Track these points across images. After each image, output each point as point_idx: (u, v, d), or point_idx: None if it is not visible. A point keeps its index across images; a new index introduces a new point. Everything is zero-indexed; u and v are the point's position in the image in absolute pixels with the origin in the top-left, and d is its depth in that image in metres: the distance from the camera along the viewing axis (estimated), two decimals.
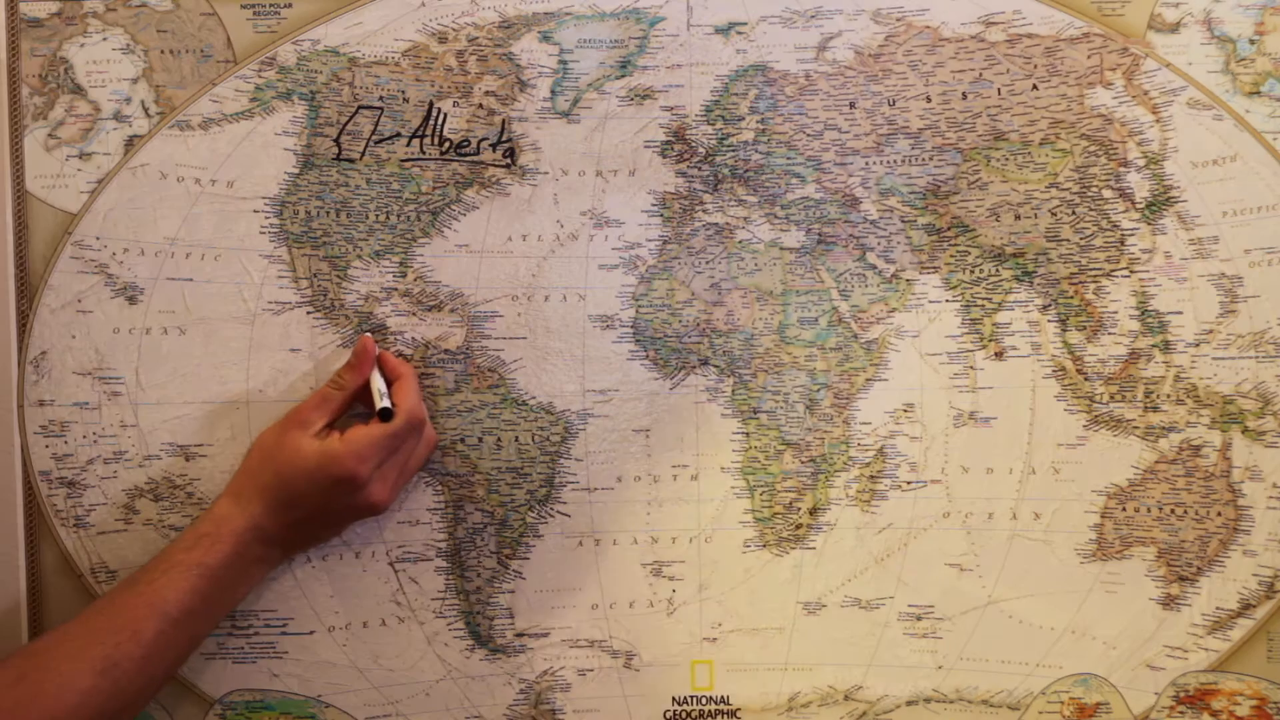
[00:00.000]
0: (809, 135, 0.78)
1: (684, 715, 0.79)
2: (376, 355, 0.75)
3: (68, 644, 0.64)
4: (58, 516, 0.76)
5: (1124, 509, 0.78)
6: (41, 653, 0.64)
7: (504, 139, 0.77)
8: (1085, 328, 0.77)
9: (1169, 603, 0.78)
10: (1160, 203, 0.77)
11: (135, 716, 0.67)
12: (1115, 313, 0.77)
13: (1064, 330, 0.78)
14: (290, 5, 0.77)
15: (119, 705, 0.65)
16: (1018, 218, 0.77)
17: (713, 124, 0.78)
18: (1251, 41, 0.77)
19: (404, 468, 0.74)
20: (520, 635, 0.78)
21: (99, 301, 0.76)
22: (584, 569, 0.78)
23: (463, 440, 0.77)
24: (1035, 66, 0.77)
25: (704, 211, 0.78)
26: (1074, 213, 0.77)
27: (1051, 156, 0.77)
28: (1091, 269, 0.77)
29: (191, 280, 0.76)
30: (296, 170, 0.77)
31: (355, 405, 0.75)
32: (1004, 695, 0.79)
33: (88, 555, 0.76)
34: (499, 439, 0.77)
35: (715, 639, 0.79)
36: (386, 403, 0.72)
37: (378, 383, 0.73)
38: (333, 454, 0.70)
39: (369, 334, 0.76)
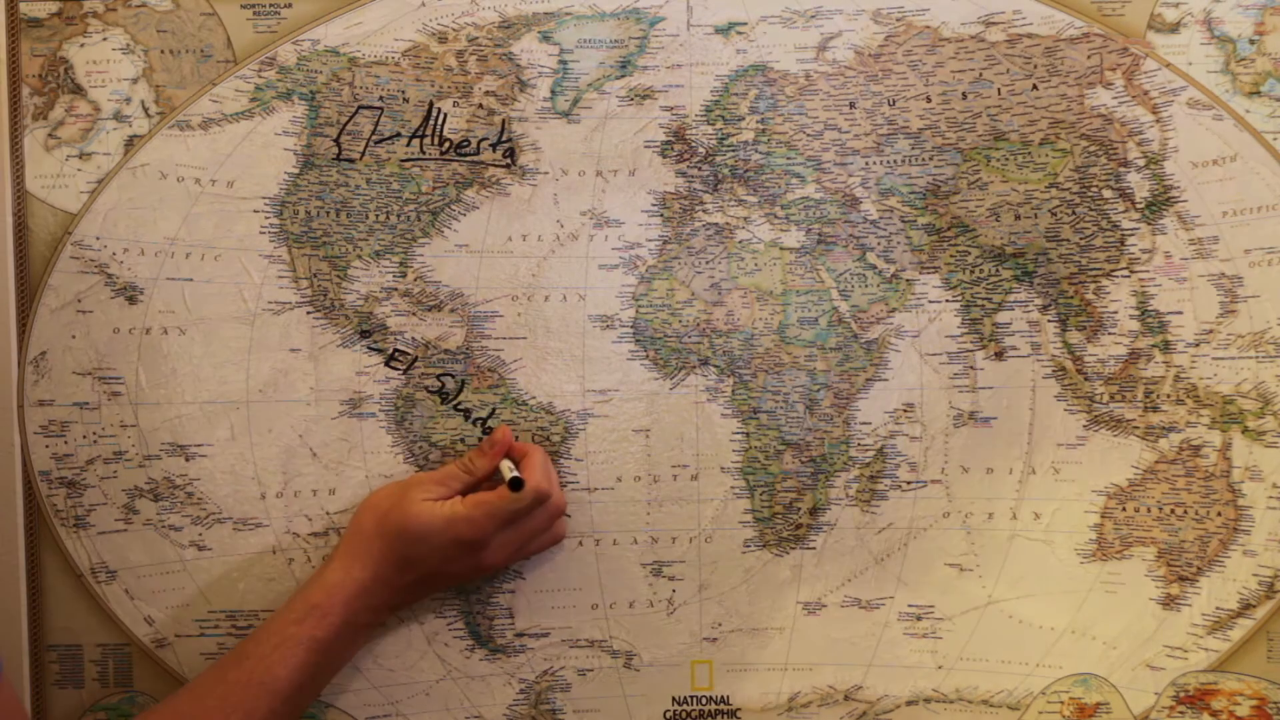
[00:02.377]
0: (809, 135, 0.78)
1: (684, 715, 0.79)
2: (507, 443, 0.75)
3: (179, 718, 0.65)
4: (58, 516, 0.76)
5: (1124, 509, 0.78)
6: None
7: (504, 139, 0.77)
8: (1085, 328, 0.78)
9: (1169, 603, 0.78)
10: (1160, 203, 0.77)
11: None
12: (1115, 313, 0.77)
13: (1064, 330, 0.78)
14: (290, 5, 0.77)
15: None
16: (1018, 218, 0.77)
17: (713, 124, 0.78)
18: (1251, 41, 0.77)
19: (524, 542, 0.74)
20: (520, 635, 0.78)
21: (99, 301, 0.76)
22: (584, 569, 0.78)
23: (463, 440, 0.77)
24: (1035, 66, 0.77)
25: (704, 211, 0.78)
26: (1074, 213, 0.77)
27: (1051, 156, 0.77)
28: (1091, 269, 0.77)
29: (191, 280, 0.76)
30: (296, 170, 0.77)
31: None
32: (1004, 695, 0.79)
33: (88, 555, 0.76)
34: None
35: (715, 639, 0.79)
36: (516, 473, 0.71)
37: (505, 465, 0.73)
38: (462, 516, 0.70)
39: (506, 425, 0.76)
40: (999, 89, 0.77)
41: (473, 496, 0.71)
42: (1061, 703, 0.78)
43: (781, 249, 0.78)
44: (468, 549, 0.71)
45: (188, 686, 0.68)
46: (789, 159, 0.78)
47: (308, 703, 0.71)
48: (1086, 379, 0.78)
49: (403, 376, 0.77)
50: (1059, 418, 0.78)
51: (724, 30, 0.78)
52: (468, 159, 0.77)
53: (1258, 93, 0.77)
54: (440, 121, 0.77)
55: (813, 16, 0.78)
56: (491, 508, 0.71)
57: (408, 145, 0.77)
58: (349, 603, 0.70)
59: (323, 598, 0.70)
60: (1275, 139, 0.76)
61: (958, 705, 0.79)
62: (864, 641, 0.79)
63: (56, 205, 0.76)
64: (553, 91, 0.77)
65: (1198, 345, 0.77)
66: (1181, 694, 0.78)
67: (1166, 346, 0.77)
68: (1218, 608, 0.77)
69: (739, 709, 0.79)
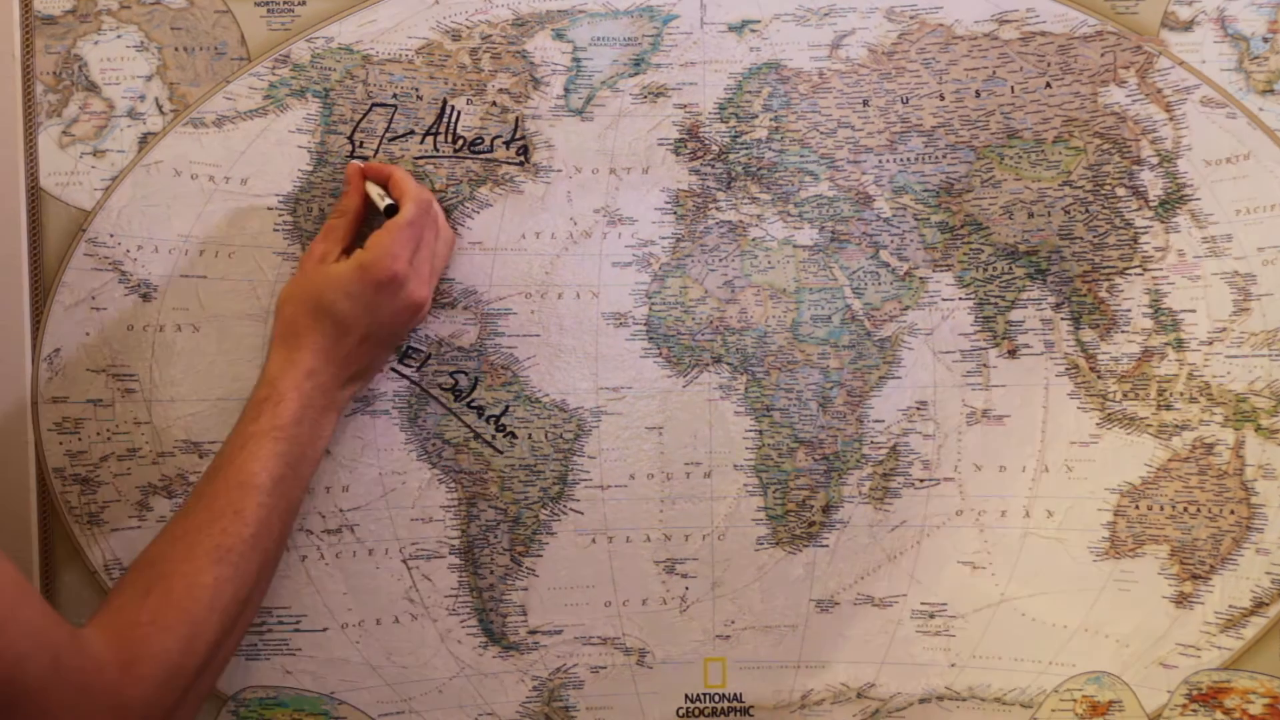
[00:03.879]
0: (822, 133, 0.78)
1: (697, 712, 0.79)
2: (362, 171, 0.74)
3: (179, 544, 0.65)
4: (71, 513, 0.76)
5: (1137, 507, 0.78)
6: (157, 560, 0.64)
7: (518, 136, 0.77)
8: (1098, 326, 0.78)
9: (1182, 601, 0.78)
10: (1173, 201, 0.77)
11: (264, 591, 0.69)
12: (1128, 311, 0.77)
13: (1077, 328, 0.78)
14: (304, 3, 0.77)
15: (244, 589, 0.65)
16: (1031, 215, 0.78)
17: (726, 122, 0.78)
18: (1265, 40, 0.77)
19: (432, 261, 0.73)
20: (533, 633, 0.78)
21: (113, 299, 0.76)
22: (597, 566, 0.78)
23: (477, 437, 0.77)
24: (1049, 64, 0.77)
25: (717, 209, 0.78)
26: (1087, 211, 0.77)
27: (1065, 154, 0.77)
28: (1105, 267, 0.77)
29: (205, 277, 0.76)
30: (310, 167, 0.77)
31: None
32: (1017, 693, 0.79)
33: (101, 552, 0.76)
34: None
35: (728, 636, 0.79)
36: (389, 200, 0.72)
37: (374, 191, 0.73)
38: (365, 262, 0.69)
39: (353, 161, 0.76)
40: (1012, 87, 0.77)
41: (368, 242, 0.71)
42: (1074, 701, 0.78)
43: (795, 247, 0.78)
44: (389, 290, 0.70)
45: (178, 513, 0.67)
46: (802, 157, 0.78)
47: (295, 493, 0.69)
48: (1099, 377, 0.78)
49: (416, 374, 0.77)
50: (1072, 415, 0.78)
51: (737, 28, 0.78)
52: (481, 156, 0.77)
53: (1271, 91, 0.77)
54: (454, 119, 0.77)
55: (826, 14, 0.78)
56: (389, 240, 0.70)
57: (421, 143, 0.77)
58: (298, 385, 0.69)
59: (268, 390, 0.69)
60: None
61: (970, 703, 0.79)
62: (877, 639, 0.79)
63: (70, 202, 0.76)
64: (566, 89, 0.77)
65: (1211, 343, 0.77)
66: (1194, 692, 0.78)
67: (1180, 344, 0.77)
68: (1231, 606, 0.77)
69: (752, 706, 0.79)
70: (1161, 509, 0.78)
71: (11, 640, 0.54)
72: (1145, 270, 0.77)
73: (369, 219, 0.74)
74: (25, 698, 0.55)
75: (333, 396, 0.71)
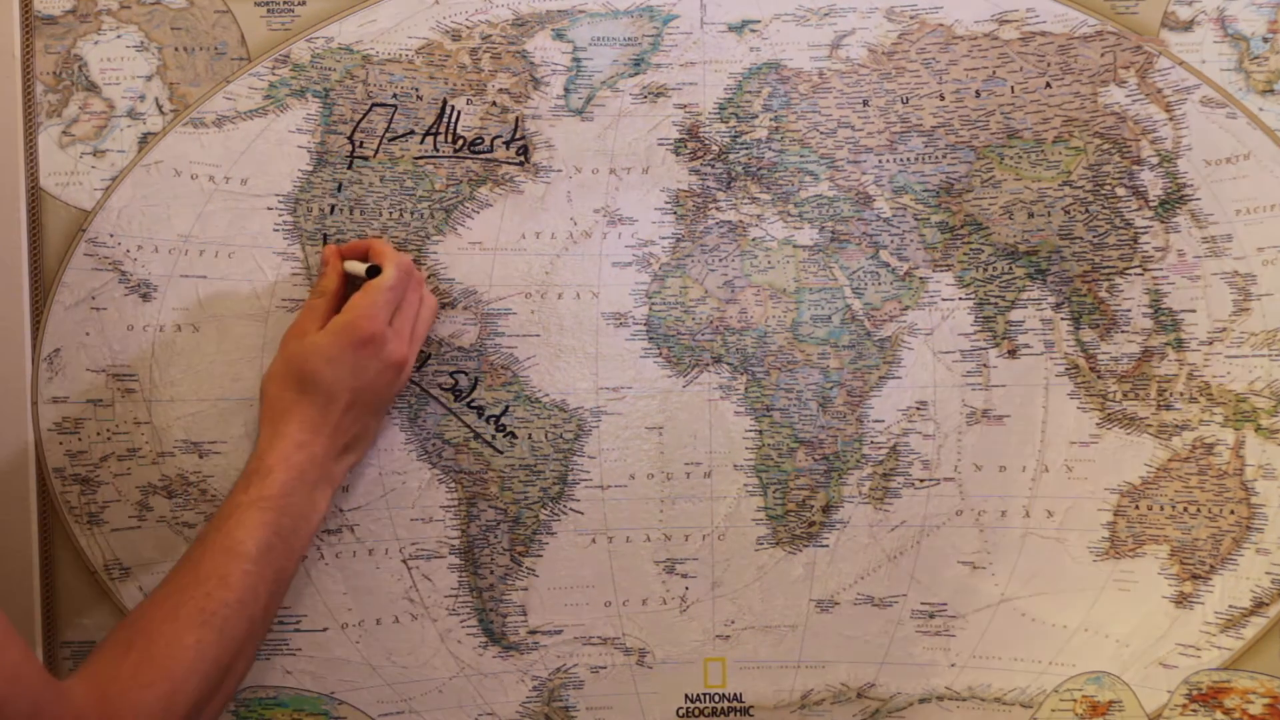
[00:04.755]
0: (822, 133, 0.78)
1: (697, 712, 0.79)
2: (339, 251, 0.75)
3: (163, 605, 0.64)
4: (71, 514, 0.76)
5: (1137, 507, 0.78)
6: (141, 618, 0.64)
7: (518, 136, 0.77)
8: (1098, 325, 0.78)
9: (1182, 601, 0.78)
10: (1173, 201, 0.77)
11: (251, 660, 0.68)
12: (1128, 310, 0.77)
13: (1077, 328, 0.78)
14: (304, 3, 0.77)
15: (226, 654, 0.64)
16: (1031, 215, 0.78)
17: (726, 122, 0.78)
18: (1265, 40, 0.77)
19: (414, 324, 0.73)
20: (533, 633, 0.78)
21: (113, 299, 0.76)
22: (597, 566, 0.78)
23: (477, 437, 0.77)
24: (1049, 64, 0.77)
25: (717, 209, 0.78)
26: (1087, 211, 0.77)
27: (1065, 154, 0.77)
28: (1104, 267, 0.77)
29: (205, 277, 0.76)
30: (310, 167, 0.77)
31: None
32: (1017, 693, 0.79)
33: (101, 552, 0.76)
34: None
35: (728, 636, 0.79)
36: (364, 267, 0.72)
37: (352, 266, 0.73)
38: (344, 324, 0.70)
39: (330, 244, 0.76)
40: (1012, 87, 0.77)
41: (347, 305, 0.71)
42: (1074, 701, 0.78)
43: (795, 247, 0.78)
44: (369, 351, 0.70)
45: (166, 578, 0.67)
46: (802, 157, 0.78)
47: (285, 564, 0.69)
48: (1099, 377, 0.78)
49: (416, 374, 0.77)
50: (1072, 415, 0.78)
51: (737, 28, 0.78)
52: (481, 156, 0.77)
53: (1271, 91, 0.77)
54: (454, 119, 0.77)
55: (826, 14, 0.78)
56: (368, 301, 0.70)
57: (421, 143, 0.77)
58: (287, 457, 0.69)
59: (257, 464, 0.69)
60: None
61: (970, 703, 0.79)
62: (877, 639, 0.79)
63: (70, 202, 0.76)
64: (566, 89, 0.77)
65: (1211, 343, 0.77)
66: (1194, 692, 0.78)
67: (1180, 344, 0.77)
68: (1231, 606, 0.77)
69: (752, 706, 0.79)
70: (1161, 509, 0.78)
71: None
72: (1145, 270, 0.77)
73: (350, 294, 0.73)
74: None
75: (326, 469, 0.71)
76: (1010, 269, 0.78)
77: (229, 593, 0.65)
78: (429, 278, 0.77)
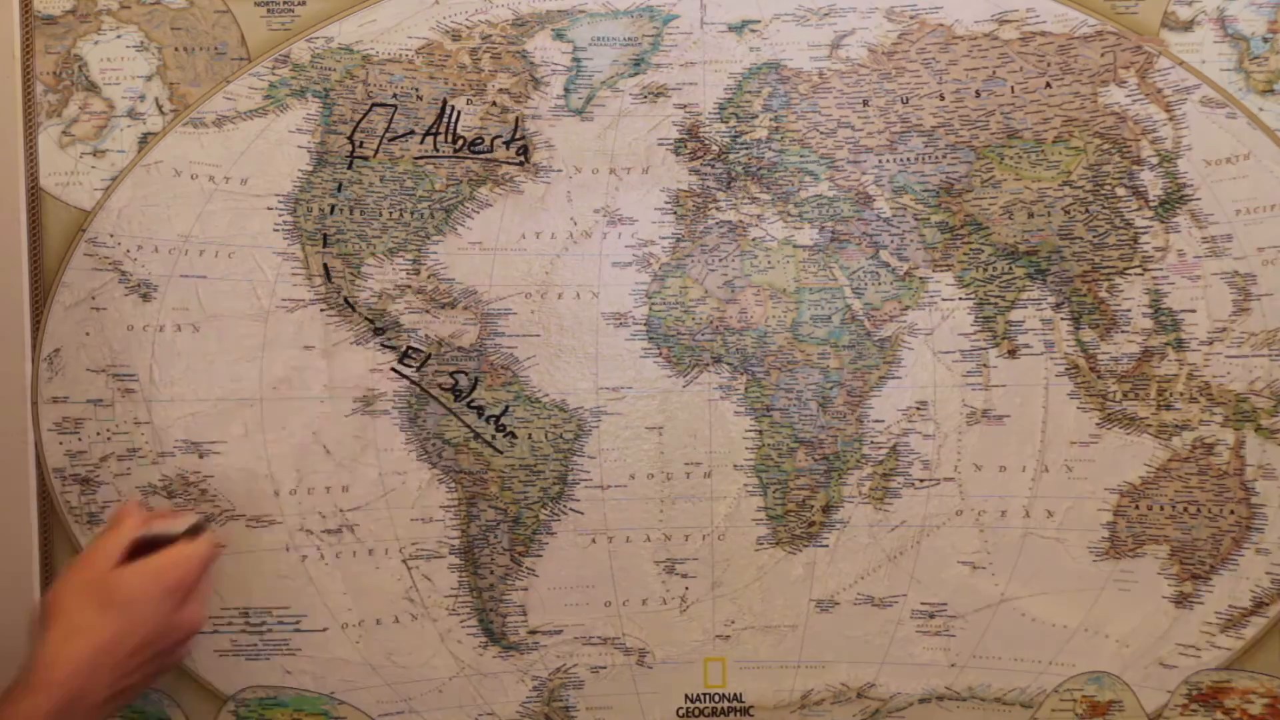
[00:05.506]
0: (822, 133, 0.78)
1: (697, 712, 0.79)
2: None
3: None
4: (71, 513, 0.76)
5: (1137, 507, 0.78)
6: None
7: (518, 136, 0.77)
8: (1098, 325, 0.78)
9: (1182, 601, 0.78)
10: (1173, 201, 0.77)
11: None
12: (1128, 311, 0.77)
13: (1077, 328, 0.78)
14: (304, 3, 0.77)
15: None
16: (1031, 215, 0.78)
17: (726, 121, 0.78)
18: (1265, 40, 0.77)
19: (203, 595, 0.72)
20: (533, 632, 0.78)
21: (113, 298, 0.76)
22: (597, 566, 0.78)
23: (477, 437, 0.77)
24: (1049, 64, 0.77)
25: (717, 209, 0.78)
26: (1087, 211, 0.77)
27: (1065, 154, 0.77)
28: (1105, 267, 0.77)
29: (205, 277, 0.76)
30: (310, 167, 0.77)
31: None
32: (1017, 693, 0.79)
33: None
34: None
35: (728, 636, 0.79)
36: (185, 525, 0.71)
37: (165, 525, 0.72)
38: (168, 564, 0.69)
39: (121, 504, 0.74)
40: (1012, 87, 0.77)
41: (167, 550, 0.70)
42: (1074, 701, 0.78)
43: (795, 247, 0.78)
44: (177, 600, 0.69)
45: None
46: (802, 157, 0.78)
47: None
48: (1099, 377, 0.78)
49: (416, 374, 0.77)
50: (1072, 415, 0.78)
51: (737, 28, 0.78)
52: (481, 156, 0.77)
53: (1271, 91, 0.77)
54: (454, 119, 0.77)
55: (826, 14, 0.78)
56: (193, 550, 0.70)
57: (421, 143, 0.77)
58: (58, 686, 0.64)
59: (38, 677, 0.64)
60: None
61: (970, 703, 0.79)
62: (877, 639, 0.79)
63: (70, 202, 0.76)
64: (566, 89, 0.77)
65: (1211, 343, 0.77)
66: (1194, 692, 0.78)
67: (1180, 344, 0.77)
68: (1231, 606, 0.77)
69: (752, 706, 0.79)
70: (1161, 509, 0.78)
71: None
72: (1145, 270, 0.77)
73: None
74: None
75: (95, 706, 0.66)
76: (1010, 269, 0.78)
77: None
78: (429, 278, 0.77)
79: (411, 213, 0.77)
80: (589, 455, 0.78)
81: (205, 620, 0.73)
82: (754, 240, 0.78)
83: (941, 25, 0.78)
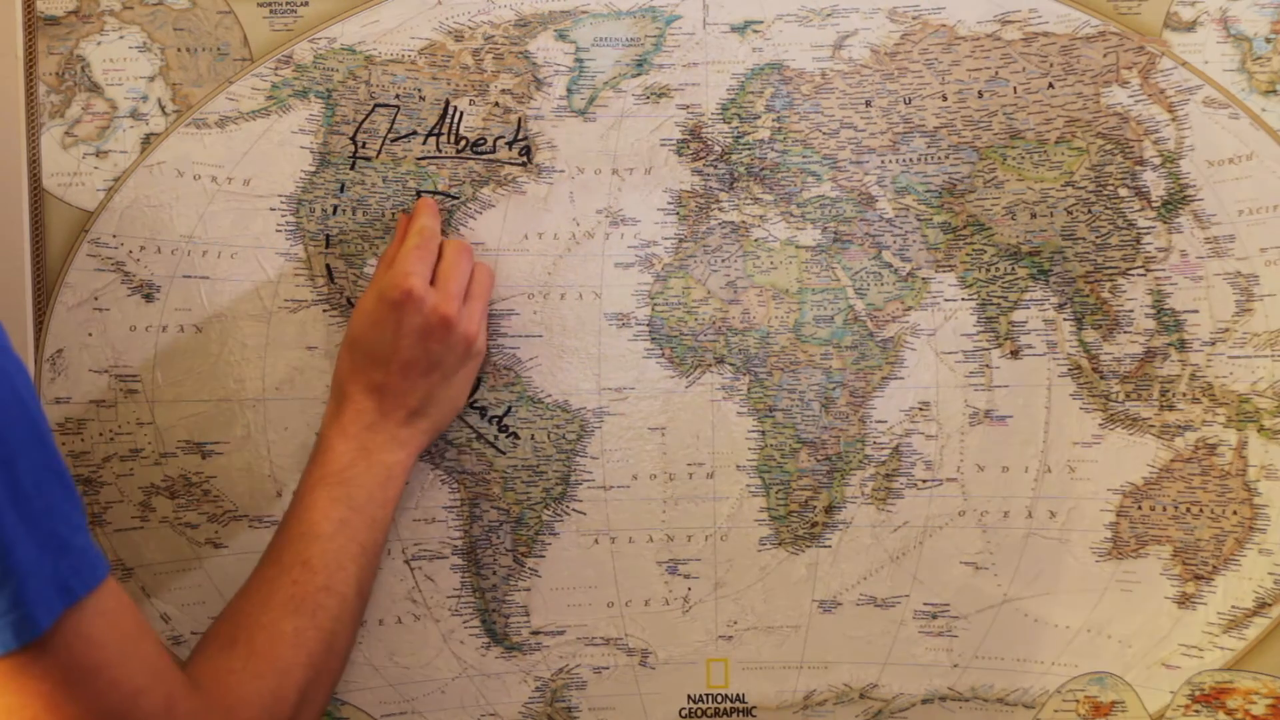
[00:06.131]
0: (825, 133, 0.78)
1: (699, 713, 0.79)
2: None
3: (254, 597, 0.65)
4: None
5: (1139, 507, 0.78)
6: (236, 613, 0.65)
7: (520, 137, 0.77)
8: (1101, 326, 0.78)
9: (1185, 601, 0.78)
10: (1176, 201, 0.77)
11: (351, 638, 0.68)
12: (1131, 311, 0.77)
13: (1080, 328, 0.78)
14: (306, 3, 0.77)
15: (326, 634, 0.65)
16: (1034, 216, 0.78)
17: (729, 122, 0.78)
18: (1268, 40, 0.77)
19: (465, 286, 0.73)
20: (536, 633, 0.78)
21: (115, 299, 0.76)
22: (600, 567, 0.78)
23: (479, 438, 0.77)
24: (1051, 65, 0.77)
25: (720, 209, 0.78)
26: (1090, 211, 0.77)
27: (1067, 155, 0.77)
28: (1107, 267, 0.77)
29: (208, 278, 0.77)
30: (313, 168, 0.77)
31: None
32: (1019, 694, 0.79)
33: (105, 553, 0.76)
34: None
35: (731, 637, 0.79)
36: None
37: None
38: (379, 286, 0.70)
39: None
40: (1015, 87, 0.77)
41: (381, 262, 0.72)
42: (1077, 701, 0.78)
43: (797, 247, 0.78)
44: (410, 308, 0.69)
45: (250, 576, 0.68)
46: (805, 157, 0.78)
47: (365, 535, 0.68)
48: (1102, 377, 0.78)
49: None
50: (1074, 416, 0.78)
51: (740, 29, 0.78)
52: (484, 157, 0.77)
53: (1274, 91, 0.77)
54: (456, 120, 0.77)
55: (829, 15, 0.78)
56: (400, 257, 0.71)
57: (424, 144, 0.77)
58: (343, 429, 0.69)
59: (318, 442, 0.70)
60: None
61: (973, 704, 0.79)
62: (879, 640, 0.79)
63: (73, 203, 0.76)
64: (569, 90, 0.77)
65: (1214, 344, 0.77)
66: (1197, 693, 0.78)
67: (1182, 345, 0.77)
68: (1233, 606, 0.77)
69: (754, 707, 0.79)
70: (1164, 510, 0.78)
71: (131, 673, 0.54)
72: (1148, 271, 0.77)
73: None
74: None
75: (391, 433, 0.70)
76: (1013, 270, 0.78)
77: (314, 575, 0.65)
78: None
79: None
80: (591, 456, 0.78)
81: (465, 316, 0.72)
82: (756, 241, 0.78)
83: (944, 26, 0.78)
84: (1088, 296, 0.78)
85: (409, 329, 0.70)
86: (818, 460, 0.78)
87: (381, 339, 0.70)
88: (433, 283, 0.72)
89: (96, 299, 0.76)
